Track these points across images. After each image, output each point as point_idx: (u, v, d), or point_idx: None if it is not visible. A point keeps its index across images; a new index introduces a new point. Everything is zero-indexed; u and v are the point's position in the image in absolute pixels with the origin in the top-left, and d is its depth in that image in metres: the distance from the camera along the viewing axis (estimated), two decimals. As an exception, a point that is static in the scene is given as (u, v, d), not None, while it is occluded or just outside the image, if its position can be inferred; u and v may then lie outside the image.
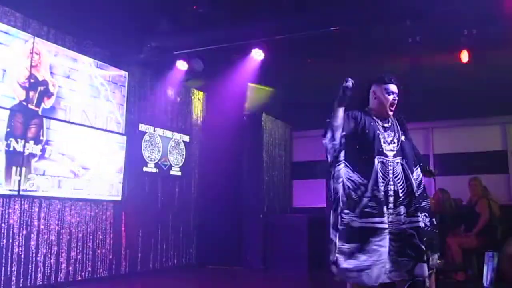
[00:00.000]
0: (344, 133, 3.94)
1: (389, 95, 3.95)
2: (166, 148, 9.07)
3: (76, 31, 7.23)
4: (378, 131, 3.89)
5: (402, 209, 3.75)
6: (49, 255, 6.74)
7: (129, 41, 7.62)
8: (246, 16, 7.12)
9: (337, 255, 3.74)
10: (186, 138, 9.64)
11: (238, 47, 7.59)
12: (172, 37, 7.72)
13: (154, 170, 8.76)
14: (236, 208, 9.55)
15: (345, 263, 3.68)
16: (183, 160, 9.50)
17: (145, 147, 8.58)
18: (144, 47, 7.67)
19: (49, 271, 6.71)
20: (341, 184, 3.87)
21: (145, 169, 8.56)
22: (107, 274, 7.60)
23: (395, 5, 6.33)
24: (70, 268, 7.03)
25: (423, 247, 3.69)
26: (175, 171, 9.29)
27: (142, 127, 8.55)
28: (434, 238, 3.87)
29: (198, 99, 10.14)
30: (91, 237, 7.42)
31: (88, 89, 7.46)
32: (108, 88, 7.82)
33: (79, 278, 7.14)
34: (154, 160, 8.77)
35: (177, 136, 9.40)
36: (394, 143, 3.91)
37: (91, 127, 7.46)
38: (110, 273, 7.66)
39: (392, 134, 3.95)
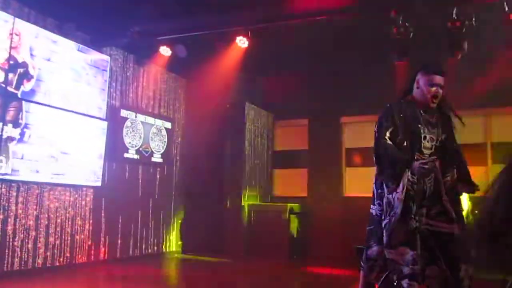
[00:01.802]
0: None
1: (432, 87, 3.72)
2: (147, 134, 8.99)
3: (58, 13, 7.11)
4: (419, 125, 3.70)
5: (424, 210, 3.63)
6: (26, 240, 6.65)
7: (112, 25, 7.51)
8: (231, 3, 7.06)
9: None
10: (168, 125, 9.57)
11: (222, 34, 7.53)
12: (155, 22, 7.62)
13: (135, 156, 8.69)
14: (217, 196, 9.54)
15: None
16: (165, 147, 9.43)
17: (127, 133, 8.50)
18: (127, 32, 7.56)
19: (26, 256, 6.62)
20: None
21: (126, 155, 8.48)
22: (85, 260, 7.55)
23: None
24: (48, 253, 6.95)
25: (438, 253, 3.58)
26: (157, 158, 9.22)
27: (123, 112, 8.46)
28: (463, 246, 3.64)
29: (181, 86, 10.06)
30: (70, 222, 7.34)
31: (69, 72, 7.34)
32: (89, 72, 7.70)
33: (57, 264, 7.08)
34: (135, 146, 8.69)
35: (159, 122, 9.33)
36: (433, 140, 3.73)
37: (72, 111, 7.35)
38: (88, 259, 7.61)
39: (435, 131, 3.75)
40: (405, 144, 3.66)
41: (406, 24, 6.52)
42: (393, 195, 3.63)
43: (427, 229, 3.62)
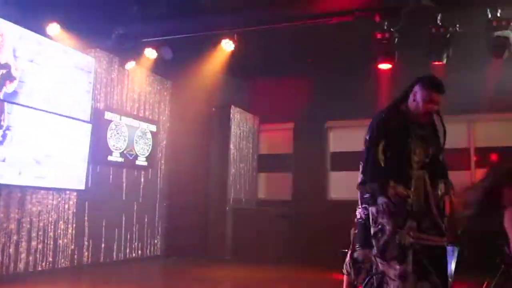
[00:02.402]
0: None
1: (428, 103, 3.60)
2: (132, 137, 8.93)
3: (42, 15, 7.00)
4: (410, 139, 3.61)
5: (414, 224, 3.56)
6: (8, 245, 6.54)
7: (97, 27, 7.42)
8: (217, 6, 7.05)
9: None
10: (153, 128, 9.51)
11: (207, 37, 7.51)
12: (140, 24, 7.56)
13: (120, 159, 8.61)
14: (202, 200, 9.50)
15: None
16: (150, 150, 9.37)
17: (111, 136, 8.43)
18: (112, 34, 7.50)
19: (7, 261, 6.52)
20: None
21: (110, 158, 8.41)
22: (68, 264, 7.45)
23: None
24: (30, 258, 6.85)
25: (430, 267, 3.53)
26: (141, 161, 9.16)
27: (108, 115, 8.39)
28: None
29: (166, 89, 10.01)
30: (52, 226, 7.25)
31: (53, 74, 7.25)
32: (74, 74, 7.62)
33: (40, 269, 6.98)
34: (120, 149, 8.62)
35: (144, 125, 9.26)
36: (422, 154, 3.64)
37: (55, 113, 7.26)
38: (72, 264, 7.51)
39: (424, 145, 3.66)
40: (395, 158, 3.58)
41: (391, 29, 6.57)
42: (380, 207, 3.61)
43: (418, 243, 3.58)
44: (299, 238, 9.30)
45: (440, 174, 3.71)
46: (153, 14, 7.36)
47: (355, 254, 4.07)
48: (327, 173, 9.87)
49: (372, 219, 3.68)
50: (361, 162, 3.79)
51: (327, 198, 9.77)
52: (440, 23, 6.39)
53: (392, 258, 3.49)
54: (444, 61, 6.64)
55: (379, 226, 3.59)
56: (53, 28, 7.08)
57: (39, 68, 7.02)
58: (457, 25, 6.38)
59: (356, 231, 4.11)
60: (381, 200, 3.56)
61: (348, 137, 9.61)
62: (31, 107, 6.88)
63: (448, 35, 6.41)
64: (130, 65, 8.40)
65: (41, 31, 7.07)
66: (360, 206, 4.18)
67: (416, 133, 3.67)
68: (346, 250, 4.41)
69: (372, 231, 3.66)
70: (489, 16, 6.16)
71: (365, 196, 3.86)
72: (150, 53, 8.05)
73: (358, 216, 4.14)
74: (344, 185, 9.38)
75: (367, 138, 3.69)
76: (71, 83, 7.56)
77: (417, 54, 6.76)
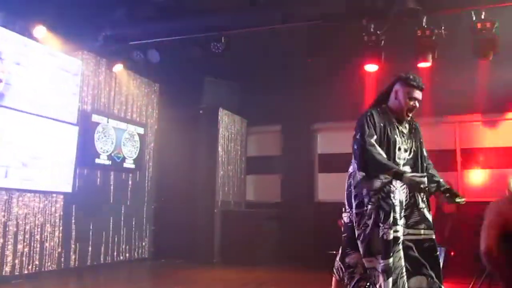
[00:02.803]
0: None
1: (410, 100, 3.73)
2: (119, 140, 8.90)
3: (29, 17, 6.97)
4: (396, 136, 3.73)
5: (404, 220, 3.65)
6: (-6, 248, 6.50)
7: (84, 29, 7.41)
8: (204, 9, 7.06)
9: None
10: (141, 130, 9.48)
11: (195, 39, 7.51)
12: (128, 27, 7.56)
13: (107, 162, 8.58)
14: (190, 202, 9.48)
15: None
16: (137, 152, 9.34)
17: (98, 138, 8.39)
18: (99, 36, 7.48)
19: (-6, 264, 6.47)
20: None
21: (97, 160, 8.37)
22: (55, 267, 7.40)
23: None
24: (17, 261, 6.80)
25: (422, 260, 3.60)
26: (129, 164, 9.12)
27: (95, 117, 8.35)
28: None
29: (154, 91, 9.99)
30: (39, 229, 7.19)
31: (39, 77, 7.22)
32: (60, 76, 7.59)
33: (26, 272, 6.92)
34: (107, 152, 8.58)
35: (132, 128, 9.24)
36: (406, 151, 3.76)
37: (42, 116, 7.23)
38: (58, 267, 7.46)
39: (408, 142, 3.79)
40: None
41: (378, 32, 6.63)
42: (366, 208, 3.65)
43: (408, 239, 3.64)
44: (287, 240, 9.32)
45: (423, 169, 3.79)
46: (140, 16, 7.37)
47: (347, 259, 4.07)
48: (314, 175, 9.91)
49: (356, 221, 3.73)
50: (354, 161, 3.81)
51: (315, 200, 9.81)
52: (425, 26, 6.46)
53: (377, 253, 3.55)
54: (430, 63, 6.71)
55: (363, 228, 3.66)
56: (40, 30, 7.04)
57: (26, 70, 6.99)
58: (443, 27, 6.46)
59: (345, 235, 4.11)
60: (367, 199, 3.62)
61: (336, 139, 9.67)
62: (18, 110, 6.84)
63: (433, 37, 6.49)
64: (118, 67, 8.38)
65: (27, 33, 7.03)
66: (347, 210, 4.19)
67: (400, 130, 3.79)
68: (334, 252, 4.41)
69: (356, 234, 3.71)
70: (474, 18, 6.24)
71: (352, 199, 3.88)
72: (138, 56, 8.02)
73: (347, 220, 4.15)
74: (331, 186, 9.43)
75: (358, 137, 3.71)
76: (58, 86, 7.52)
77: (404, 56, 6.81)
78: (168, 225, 9.45)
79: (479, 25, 6.21)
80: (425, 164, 3.85)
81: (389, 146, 3.69)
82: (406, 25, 6.53)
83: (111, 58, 8.32)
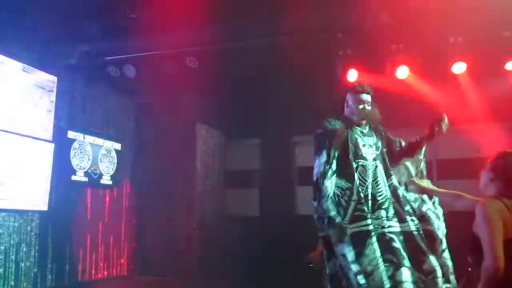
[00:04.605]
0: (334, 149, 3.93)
1: (359, 104, 4.03)
2: (96, 156, 8.79)
3: (2, 32, 6.88)
4: (356, 135, 3.97)
5: (382, 213, 3.79)
6: (-33, 269, 6.35)
7: (59, 44, 7.35)
8: (180, 24, 7.05)
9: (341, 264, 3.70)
10: (118, 146, 9.39)
11: (172, 54, 7.50)
12: (103, 42, 7.52)
13: (84, 179, 8.46)
14: (169, 218, 9.40)
15: (351, 271, 3.64)
16: (114, 168, 9.24)
17: (74, 155, 8.28)
18: (75, 52, 7.42)
19: (-33, 287, 6.32)
20: (329, 199, 3.85)
21: (73, 177, 8.25)
22: (31, 288, 7.26)
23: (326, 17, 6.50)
24: (-9, 282, 6.66)
25: (404, 252, 3.67)
26: (106, 180, 9.01)
27: (71, 134, 8.24)
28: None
29: (131, 107, 9.92)
30: (14, 249, 7.05)
31: (13, 93, 7.10)
32: (35, 93, 7.48)
33: (1, 293, 6.78)
34: (84, 168, 8.47)
35: (108, 144, 9.14)
36: (372, 147, 3.99)
37: (16, 133, 7.11)
38: (34, 287, 7.31)
39: (372, 140, 4.03)
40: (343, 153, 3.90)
41: (353, 45, 6.71)
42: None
43: (387, 231, 3.75)
44: (266, 254, 9.28)
45: (392, 163, 4.05)
46: (116, 32, 7.33)
47: (327, 270, 4.10)
48: (294, 188, 9.91)
49: (318, 228, 3.92)
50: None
51: (294, 213, 9.80)
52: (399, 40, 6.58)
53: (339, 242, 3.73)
54: (406, 76, 6.81)
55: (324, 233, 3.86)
56: (14, 46, 6.96)
57: (-1, 87, 6.88)
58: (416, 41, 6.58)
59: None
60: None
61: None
62: (-9, 127, 6.72)
63: (407, 51, 6.60)
64: (95, 83, 8.31)
65: (0, 49, 6.93)
66: None
67: (360, 131, 4.05)
68: (312, 265, 4.43)
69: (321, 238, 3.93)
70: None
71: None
72: (114, 71, 7.97)
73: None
74: (311, 199, 9.43)
75: (314, 159, 4.07)
76: (32, 102, 7.42)
77: (379, 69, 6.91)
78: (146, 241, 9.36)
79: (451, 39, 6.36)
80: (396, 154, 4.11)
81: (354, 145, 3.94)
82: (380, 39, 6.62)
83: (87, 73, 8.25)
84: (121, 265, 9.32)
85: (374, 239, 3.66)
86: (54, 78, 7.88)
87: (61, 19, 6.89)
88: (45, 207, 7.53)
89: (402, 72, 6.91)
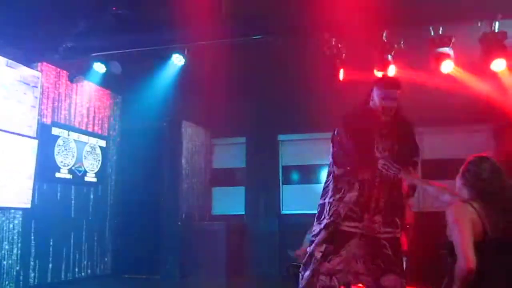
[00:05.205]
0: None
1: (384, 100, 3.82)
2: (81, 153, 8.71)
3: (-16, 28, 6.79)
4: (373, 136, 3.85)
5: (379, 218, 3.75)
6: None
7: (44, 40, 7.25)
8: (167, 20, 7.01)
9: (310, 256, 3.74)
10: (103, 143, 9.32)
11: (158, 51, 7.45)
12: (89, 38, 7.43)
13: (68, 176, 8.38)
14: (153, 216, 9.35)
15: (319, 266, 3.69)
16: (99, 165, 9.17)
17: (58, 152, 8.20)
18: (60, 47, 7.33)
19: None
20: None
21: (57, 175, 8.17)
22: (13, 286, 7.15)
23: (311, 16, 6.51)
24: (-28, 280, 6.57)
25: (394, 258, 3.70)
26: (90, 177, 8.94)
27: (55, 130, 8.16)
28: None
29: (116, 103, 9.85)
30: (-4, 247, 6.97)
31: (-4, 89, 7.02)
32: (19, 88, 7.38)
33: (-18, 291, 6.69)
34: (68, 165, 8.39)
35: (93, 140, 9.07)
36: (385, 150, 3.83)
37: (-1, 129, 7.02)
38: (17, 286, 7.22)
39: (388, 142, 3.87)
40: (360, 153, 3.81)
41: (339, 45, 6.73)
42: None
43: (381, 237, 3.76)
44: (251, 252, 9.29)
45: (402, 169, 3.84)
46: (101, 28, 7.25)
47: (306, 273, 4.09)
48: (279, 187, 9.93)
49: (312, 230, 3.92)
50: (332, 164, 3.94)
51: (279, 212, 9.82)
52: (385, 39, 6.60)
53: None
54: (391, 75, 6.83)
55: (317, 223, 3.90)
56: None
57: (-18, 82, 6.78)
58: (402, 42, 6.62)
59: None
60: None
61: (300, 151, 9.73)
62: (-27, 123, 6.62)
63: (393, 51, 6.64)
64: (79, 79, 8.23)
65: (-17, 44, 6.84)
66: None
67: (378, 130, 3.88)
68: (296, 264, 4.42)
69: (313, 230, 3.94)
70: (432, 33, 6.41)
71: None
72: (99, 67, 7.90)
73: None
74: (295, 198, 9.47)
75: (339, 138, 3.89)
76: (16, 98, 7.32)
77: (365, 68, 6.93)
78: (131, 239, 9.29)
79: (437, 40, 6.40)
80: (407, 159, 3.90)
81: (366, 145, 3.81)
82: (366, 38, 6.66)
83: (72, 69, 8.17)
84: (105, 263, 9.25)
85: (356, 241, 3.71)
86: (39, 74, 7.80)
87: (46, 14, 6.80)
88: (28, 205, 7.44)
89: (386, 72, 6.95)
